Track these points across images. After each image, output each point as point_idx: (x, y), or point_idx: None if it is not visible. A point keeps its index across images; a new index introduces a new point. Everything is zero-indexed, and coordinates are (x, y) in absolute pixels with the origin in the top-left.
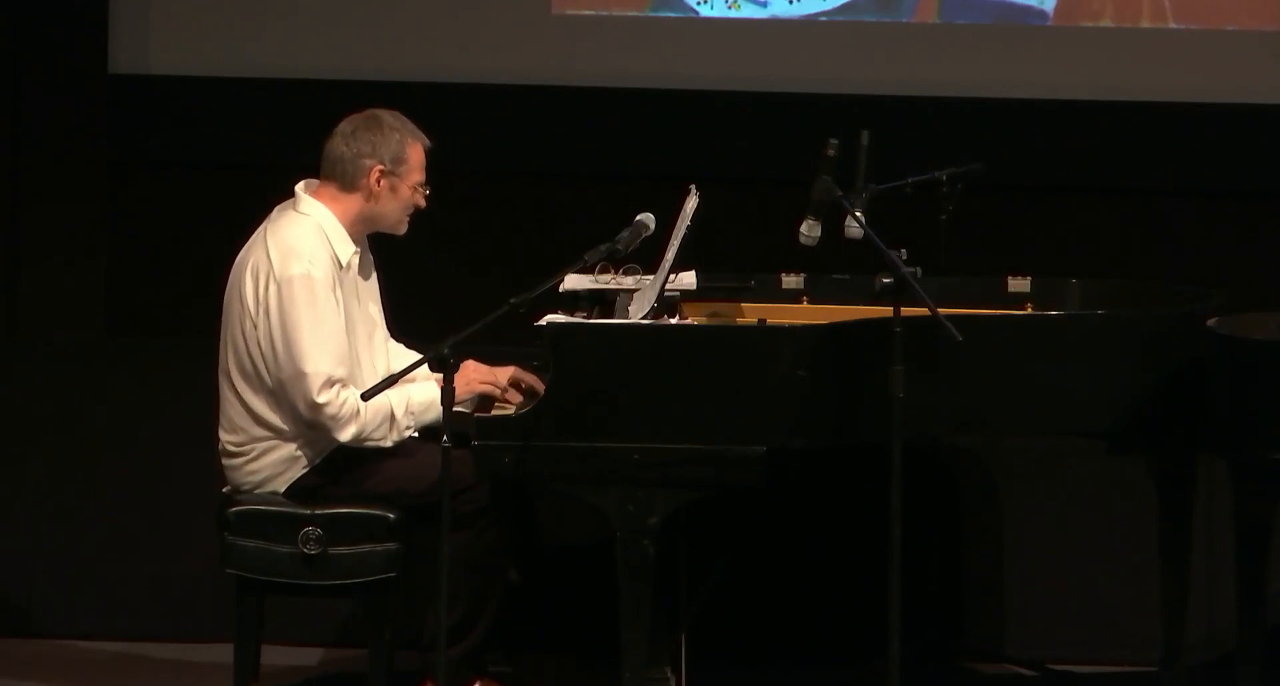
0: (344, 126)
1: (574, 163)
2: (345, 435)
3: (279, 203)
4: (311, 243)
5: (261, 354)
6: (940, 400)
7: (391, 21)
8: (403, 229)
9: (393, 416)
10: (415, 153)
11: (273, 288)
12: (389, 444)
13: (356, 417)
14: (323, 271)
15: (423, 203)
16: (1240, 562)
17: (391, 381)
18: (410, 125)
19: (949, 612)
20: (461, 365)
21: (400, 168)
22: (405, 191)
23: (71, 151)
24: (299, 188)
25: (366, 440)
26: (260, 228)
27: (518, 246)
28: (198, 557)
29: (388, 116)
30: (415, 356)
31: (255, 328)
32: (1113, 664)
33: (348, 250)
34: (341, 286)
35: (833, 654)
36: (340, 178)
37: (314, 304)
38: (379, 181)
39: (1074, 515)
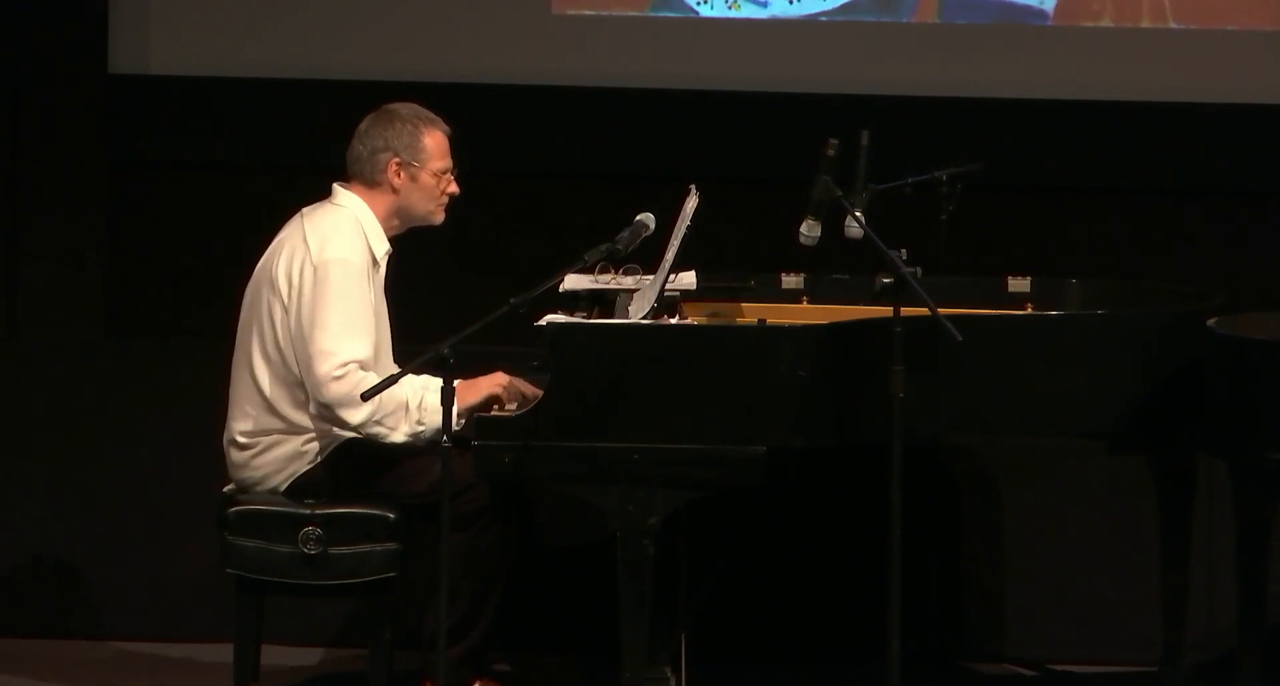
0: (360, 125)
1: (574, 163)
2: (357, 416)
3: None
4: (349, 232)
5: (289, 335)
6: (940, 400)
7: (391, 22)
8: (439, 218)
9: (407, 407)
10: (432, 140)
11: (308, 271)
12: (398, 438)
13: (372, 399)
14: (359, 259)
15: (453, 189)
16: (1240, 562)
17: (391, 381)
18: (426, 114)
19: (949, 612)
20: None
21: (417, 157)
22: (427, 180)
23: (71, 151)
24: (337, 185)
25: (377, 426)
26: (294, 221)
27: (518, 246)
28: (198, 557)
29: (401, 108)
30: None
31: (286, 312)
32: (1113, 664)
33: (382, 247)
34: (372, 282)
35: (833, 654)
36: (362, 176)
37: (347, 287)
38: (398, 174)
39: (1074, 515)
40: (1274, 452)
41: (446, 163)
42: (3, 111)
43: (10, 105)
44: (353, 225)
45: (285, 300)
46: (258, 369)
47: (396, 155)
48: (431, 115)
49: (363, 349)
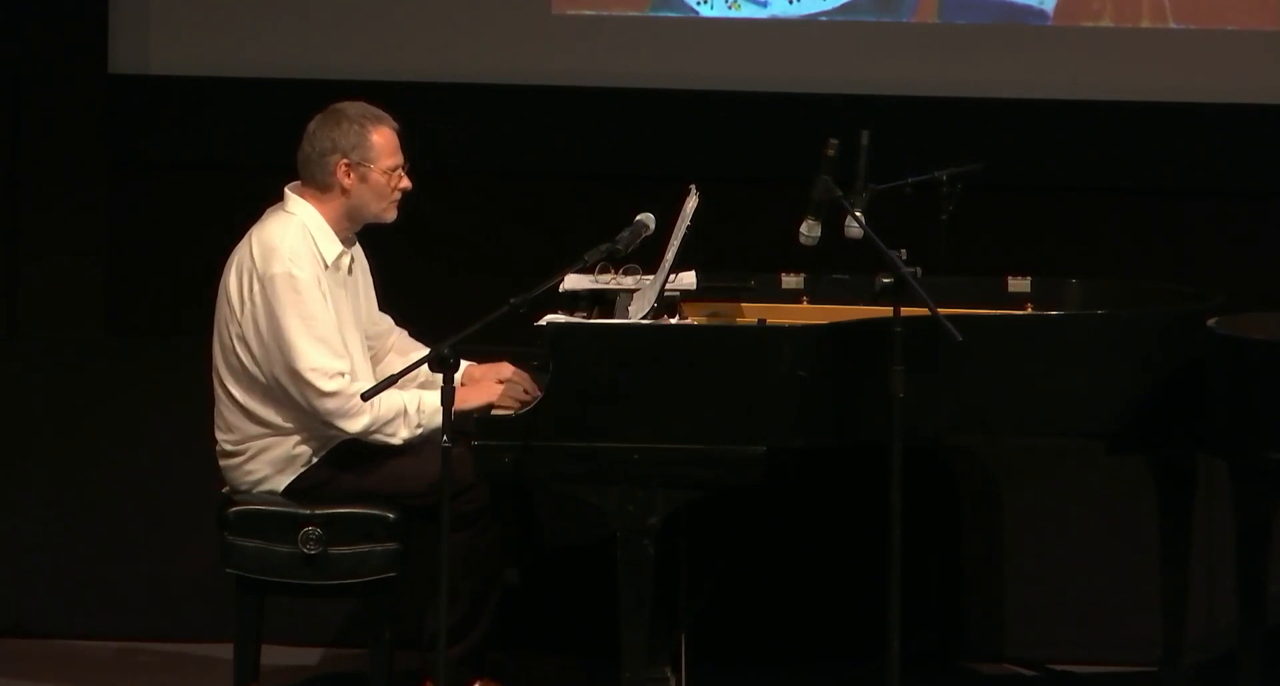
0: (308, 127)
1: (574, 163)
2: (357, 426)
3: (277, 202)
4: (294, 241)
5: (250, 351)
6: (940, 400)
7: (391, 21)
8: (390, 216)
9: (405, 411)
10: (380, 137)
11: (256, 286)
12: (398, 441)
13: (370, 409)
14: (305, 270)
15: (405, 184)
16: (1240, 562)
17: (392, 381)
18: (373, 111)
19: (949, 612)
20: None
21: (367, 155)
22: (378, 178)
23: (71, 151)
24: (288, 189)
25: (378, 434)
26: (250, 229)
27: (518, 246)
28: (198, 557)
29: (348, 108)
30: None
31: (240, 325)
32: (1113, 664)
33: (334, 250)
34: (329, 284)
35: (833, 654)
36: (313, 179)
37: (299, 301)
38: (348, 175)
39: (1074, 515)
40: (1274, 452)
41: (396, 159)
42: (3, 111)
43: (10, 105)
44: (299, 233)
45: (238, 314)
46: (226, 380)
47: (345, 156)
48: (379, 112)
49: (340, 360)
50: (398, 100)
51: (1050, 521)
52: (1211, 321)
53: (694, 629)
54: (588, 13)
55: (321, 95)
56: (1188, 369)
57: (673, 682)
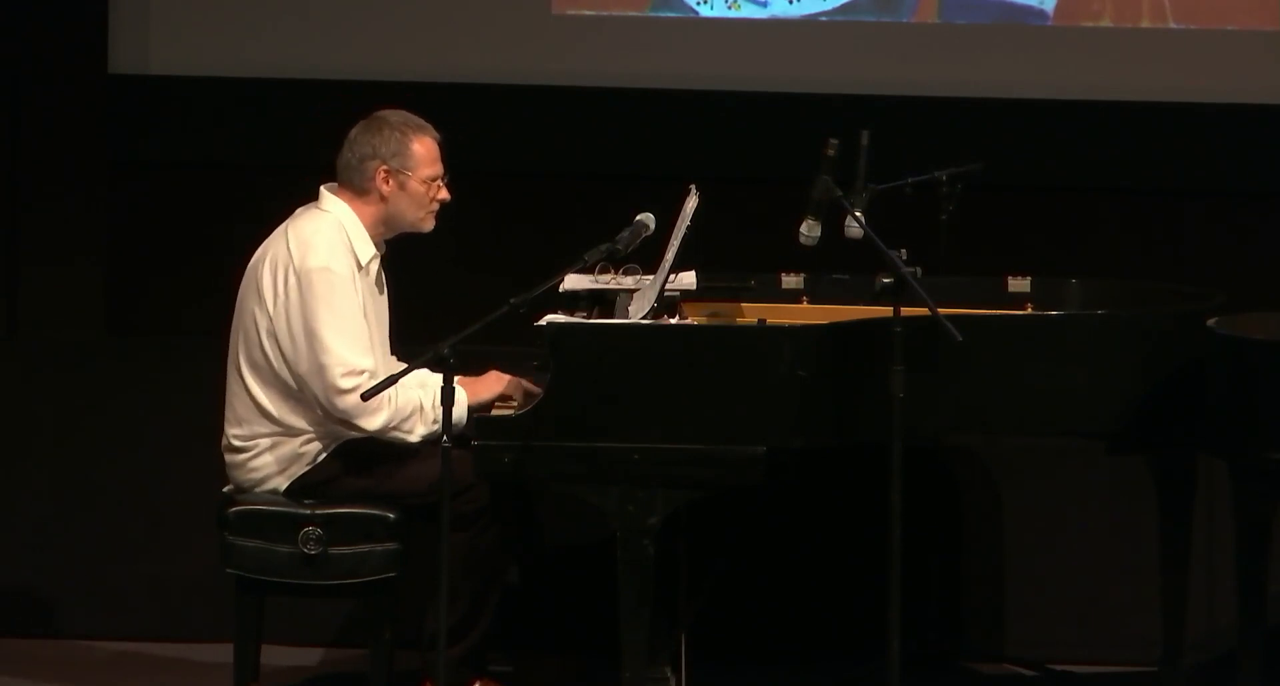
0: (350, 133)
1: (574, 163)
2: (374, 423)
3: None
4: (330, 238)
5: (278, 346)
6: (940, 400)
7: (391, 21)
8: (428, 226)
9: (421, 408)
10: (421, 147)
11: (292, 280)
12: (414, 438)
13: (387, 405)
14: (342, 266)
15: (444, 195)
16: (1240, 562)
17: (393, 381)
18: (416, 120)
19: (949, 612)
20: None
21: (406, 163)
22: (416, 187)
23: (71, 151)
24: (324, 188)
25: (395, 431)
26: (282, 224)
27: (518, 246)
28: (198, 557)
29: (391, 115)
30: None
31: (271, 319)
32: (1113, 664)
33: (368, 251)
34: (360, 286)
35: (833, 654)
36: (351, 183)
37: (333, 296)
38: (386, 181)
39: (1074, 515)
40: (1274, 452)
41: (436, 170)
42: (3, 111)
43: (10, 105)
44: (335, 231)
45: (270, 308)
46: (246, 375)
47: (385, 163)
48: (421, 122)
49: (367, 358)
50: (398, 100)
51: (1050, 521)
52: (1211, 321)
53: (694, 629)
54: (588, 13)
55: (321, 95)
56: (1188, 369)
57: (673, 682)
